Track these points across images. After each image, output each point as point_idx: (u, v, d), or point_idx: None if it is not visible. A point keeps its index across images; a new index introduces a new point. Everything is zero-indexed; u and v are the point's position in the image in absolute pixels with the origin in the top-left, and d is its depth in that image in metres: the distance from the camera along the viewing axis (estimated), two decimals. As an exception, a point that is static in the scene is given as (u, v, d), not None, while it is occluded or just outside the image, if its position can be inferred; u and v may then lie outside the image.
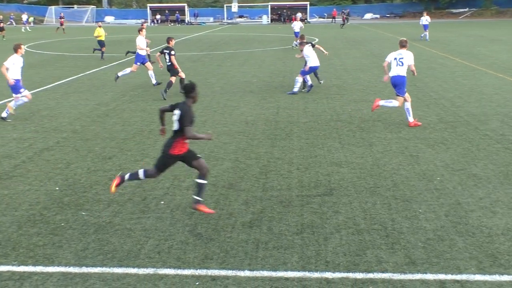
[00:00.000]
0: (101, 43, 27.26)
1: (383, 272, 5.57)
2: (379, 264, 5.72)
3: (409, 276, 5.48)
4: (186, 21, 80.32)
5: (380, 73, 20.50)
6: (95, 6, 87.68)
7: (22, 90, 13.12)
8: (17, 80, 12.97)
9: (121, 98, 16.15)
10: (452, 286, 5.28)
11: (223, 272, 5.62)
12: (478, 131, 11.37)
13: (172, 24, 77.45)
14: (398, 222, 6.80)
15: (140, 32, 18.49)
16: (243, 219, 6.97)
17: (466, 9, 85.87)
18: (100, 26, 28.13)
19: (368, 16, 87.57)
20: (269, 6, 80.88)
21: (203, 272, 5.64)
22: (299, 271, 5.62)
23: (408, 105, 11.99)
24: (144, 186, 8.25)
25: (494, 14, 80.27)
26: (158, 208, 7.41)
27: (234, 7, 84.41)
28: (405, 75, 12.09)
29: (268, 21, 78.54)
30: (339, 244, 6.22)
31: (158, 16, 79.08)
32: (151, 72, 18.07)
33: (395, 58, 12.04)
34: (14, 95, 13.19)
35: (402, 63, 11.95)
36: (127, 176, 7.28)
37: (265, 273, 5.59)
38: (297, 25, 30.82)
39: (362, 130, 11.69)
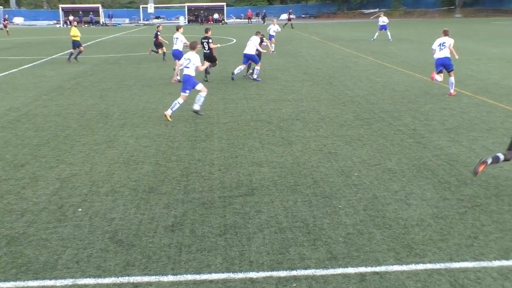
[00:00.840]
0: (76, 43, 25.77)
1: (306, 268, 5.64)
2: (302, 261, 5.79)
3: (331, 271, 5.58)
4: (101, 22, 78.34)
5: (299, 73, 20.86)
6: (1, 7, 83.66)
7: None
8: None
9: (34, 103, 15.49)
10: (372, 278, 5.43)
11: (145, 279, 5.50)
12: (391, 127, 11.80)
13: (86, 25, 75.23)
14: (319, 219, 6.92)
15: (178, 30, 19.92)
16: (165, 223, 6.86)
17: (377, 10, 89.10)
18: (75, 26, 26.65)
19: (284, 16, 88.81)
20: (186, 7, 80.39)
21: (124, 279, 5.49)
22: (223, 272, 5.59)
23: (452, 79, 15.13)
24: (60, 193, 7.94)
25: (402, 14, 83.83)
26: (76, 216, 7.15)
27: (150, 8, 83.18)
28: (449, 55, 15.08)
29: (185, 22, 78.02)
30: (262, 243, 6.24)
31: (71, 17, 76.50)
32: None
33: (439, 44, 15.13)
34: None
35: (445, 47, 15.05)
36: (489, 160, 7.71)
37: (189, 277, 5.52)
38: (272, 28, 30.74)
39: (282, 129, 11.83)
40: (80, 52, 26.14)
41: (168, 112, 12.95)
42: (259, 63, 19.46)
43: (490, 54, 26.19)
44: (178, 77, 14.90)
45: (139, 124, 12.63)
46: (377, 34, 37.52)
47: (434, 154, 9.64)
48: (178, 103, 12.98)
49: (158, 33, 26.24)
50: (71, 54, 26.29)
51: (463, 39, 34.81)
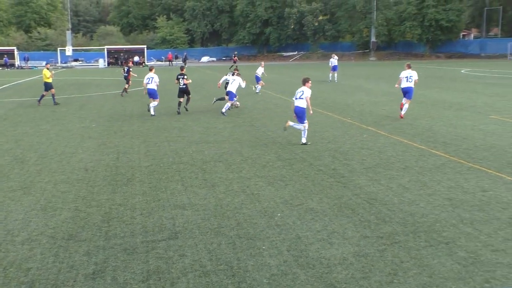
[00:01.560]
0: (48, 86, 25.36)
1: (231, 312, 5.60)
2: (227, 305, 5.75)
3: (256, 314, 5.57)
4: (16, 65, 75.96)
5: (220, 115, 21.04)
6: None
7: None
8: None
9: None
10: (297, 319, 5.46)
11: (64, 332, 5.27)
12: (312, 167, 12.08)
13: (0, 68, 72.68)
14: (243, 261, 6.93)
15: (151, 70, 21.80)
16: (86, 271, 6.63)
17: (296, 52, 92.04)
18: (48, 68, 25.95)
19: (205, 59, 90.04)
20: (106, 49, 79.60)
21: (41, 334, 5.24)
22: (146, 321, 5.45)
23: (407, 106, 18.93)
24: (-30, 245, 7.52)
25: (320, 57, 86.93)
26: (-12, 268, 6.78)
27: (68, 51, 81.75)
28: (413, 86, 18.79)
29: (105, 65, 77.12)
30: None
31: (-16, 60, 73.77)
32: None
33: (406, 76, 18.59)
34: None
35: (411, 79, 18.61)
36: None
37: (111, 328, 5.34)
38: (260, 70, 31.51)
39: (204, 171, 11.84)
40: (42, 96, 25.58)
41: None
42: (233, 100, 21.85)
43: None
44: (152, 113, 20.70)
45: (57, 169, 12.25)
46: (330, 74, 39.03)
47: (354, 193, 9.94)
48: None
49: (130, 69, 30.22)
50: (43, 96, 25.64)
51: (378, 81, 36.45)
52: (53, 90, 25.71)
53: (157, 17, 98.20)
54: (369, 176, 11.21)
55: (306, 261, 6.89)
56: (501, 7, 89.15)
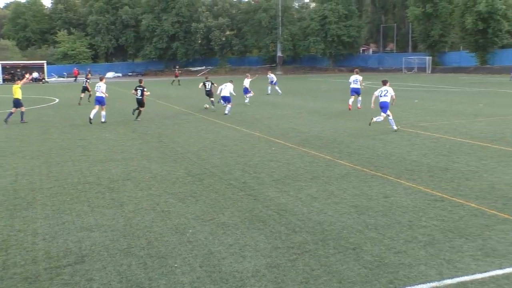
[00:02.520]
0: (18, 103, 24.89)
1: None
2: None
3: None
4: None
5: (127, 132, 20.63)
6: None
7: None
8: None
9: None
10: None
11: None
12: (223, 181, 12.09)
13: None
14: (155, 280, 6.79)
15: (102, 80, 24.77)
16: (-16, 303, 6.23)
17: (204, 67, 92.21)
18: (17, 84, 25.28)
19: (110, 74, 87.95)
20: (0, 65, 75.77)
21: None
22: None
23: (391, 116, 19.17)
24: None
25: (228, 71, 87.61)
26: None
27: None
28: (389, 101, 19.06)
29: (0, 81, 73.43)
30: (96, 312, 5.93)
31: None
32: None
33: (381, 91, 19.16)
34: None
35: (387, 94, 19.09)
36: None
37: None
38: (247, 82, 33.31)
39: (112, 190, 11.52)
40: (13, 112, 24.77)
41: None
42: (231, 102, 26.68)
43: (309, 108, 28.30)
44: (102, 120, 23.60)
45: (-50, 194, 11.46)
46: (269, 87, 40.51)
47: (265, 205, 10.04)
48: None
49: (88, 80, 35.65)
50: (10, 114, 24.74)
51: (285, 95, 37.23)
52: (22, 108, 24.99)
53: (57, 31, 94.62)
54: (279, 187, 11.37)
55: (219, 276, 6.86)
56: (395, 24, 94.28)
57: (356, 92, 26.37)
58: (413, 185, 11.18)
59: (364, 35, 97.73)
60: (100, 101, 23.85)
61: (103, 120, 23.74)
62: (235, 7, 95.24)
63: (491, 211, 9.24)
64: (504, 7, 67.90)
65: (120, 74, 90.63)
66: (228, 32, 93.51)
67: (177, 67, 67.30)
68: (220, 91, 26.90)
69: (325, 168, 13.15)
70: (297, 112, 26.18)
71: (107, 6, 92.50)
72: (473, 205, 9.63)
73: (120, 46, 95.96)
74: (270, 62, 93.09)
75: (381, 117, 18.99)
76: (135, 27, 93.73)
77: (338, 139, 17.51)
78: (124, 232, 8.68)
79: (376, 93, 19.48)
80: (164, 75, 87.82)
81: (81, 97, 34.96)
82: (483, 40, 71.16)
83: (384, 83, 19.76)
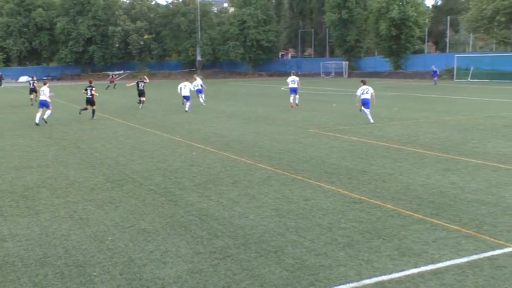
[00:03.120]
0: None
1: None
2: None
3: None
4: None
5: (43, 138, 19.89)
6: None
7: None
8: None
9: None
10: None
11: None
12: (143, 187, 11.92)
13: None
14: (73, 290, 6.59)
15: (45, 84, 25.40)
16: None
17: (122, 71, 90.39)
18: None
19: (23, 79, 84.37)
20: None
21: None
22: None
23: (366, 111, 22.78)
24: None
25: (147, 76, 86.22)
26: None
27: None
28: (369, 98, 22.60)
29: None
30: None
31: None
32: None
33: (362, 90, 22.53)
34: None
35: (368, 92, 22.44)
36: None
37: None
38: (199, 82, 35.05)
39: (26, 198, 11.08)
40: None
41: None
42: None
43: (229, 112, 28.43)
44: (45, 118, 24.52)
45: None
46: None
47: (186, 211, 9.99)
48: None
49: (35, 82, 36.60)
50: None
51: (206, 99, 37.11)
52: None
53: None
54: (200, 192, 11.35)
55: (140, 284, 6.76)
56: (312, 29, 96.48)
57: (294, 91, 29.82)
58: (333, 188, 11.48)
59: (282, 40, 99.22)
60: (44, 104, 24.70)
61: (45, 117, 24.65)
62: (153, 10, 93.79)
63: (407, 211, 9.64)
64: (415, 14, 71.16)
65: (117, 77, 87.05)
66: (146, 36, 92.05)
67: (115, 72, 66.62)
68: (180, 90, 29.98)
69: (246, 172, 13.25)
70: (218, 117, 26.23)
71: (18, 8, 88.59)
72: (389, 206, 10.02)
73: (34, 50, 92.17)
74: (190, 67, 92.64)
75: (367, 110, 22.66)
76: (50, 30, 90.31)
77: (259, 143, 17.69)
78: (40, 241, 8.37)
79: (358, 92, 22.91)
80: (81, 79, 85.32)
81: (31, 98, 36.37)
82: (396, 46, 74.13)
83: (364, 82, 23.23)
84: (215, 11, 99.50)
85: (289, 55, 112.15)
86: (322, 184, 11.81)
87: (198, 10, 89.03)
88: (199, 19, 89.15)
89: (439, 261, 7.31)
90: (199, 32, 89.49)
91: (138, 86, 31.23)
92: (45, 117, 24.61)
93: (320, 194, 11.00)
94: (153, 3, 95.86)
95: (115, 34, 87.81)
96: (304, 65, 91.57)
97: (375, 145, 16.86)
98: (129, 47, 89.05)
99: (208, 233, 8.69)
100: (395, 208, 9.88)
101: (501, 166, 13.37)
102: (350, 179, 12.29)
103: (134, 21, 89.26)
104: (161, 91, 50.47)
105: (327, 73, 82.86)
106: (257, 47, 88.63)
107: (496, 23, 60.71)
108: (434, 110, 27.60)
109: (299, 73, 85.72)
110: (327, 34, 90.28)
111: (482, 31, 64.79)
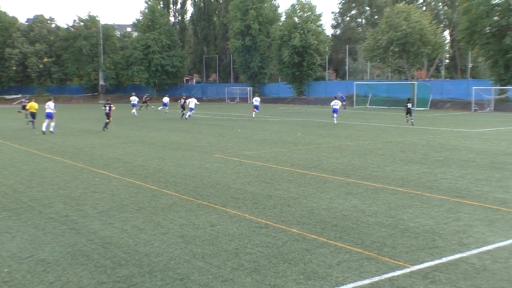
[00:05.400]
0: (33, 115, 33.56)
1: None
2: None
3: None
4: None
5: None
6: None
7: None
8: None
9: None
10: None
11: None
12: (42, 215, 11.42)
13: None
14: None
15: (50, 100, 32.45)
16: None
17: (20, 95, 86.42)
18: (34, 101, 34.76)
19: None
20: None
21: None
22: None
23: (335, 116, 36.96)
24: None
25: (47, 100, 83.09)
26: None
27: None
28: (338, 108, 37.20)
29: None
30: None
31: None
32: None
33: (335, 102, 37.03)
34: None
35: (337, 104, 37.20)
36: None
37: None
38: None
39: None
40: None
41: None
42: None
43: (134, 137, 27.95)
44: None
45: None
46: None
47: (88, 239, 9.68)
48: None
49: (27, 100, 41.32)
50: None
51: (110, 124, 36.34)
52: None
53: None
54: (103, 220, 11.04)
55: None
56: (217, 55, 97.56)
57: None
58: (239, 213, 11.56)
59: (187, 65, 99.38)
60: (49, 116, 30.47)
61: (52, 130, 30.31)
62: (53, 33, 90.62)
63: (311, 235, 9.88)
64: (316, 42, 74.04)
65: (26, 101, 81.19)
66: (46, 59, 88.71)
67: (147, 94, 69.11)
68: (189, 103, 43.59)
69: (151, 198, 13.06)
70: (122, 142, 25.71)
71: None
72: (294, 230, 10.22)
73: None
74: (92, 91, 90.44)
75: (335, 118, 36.62)
76: None
77: (164, 169, 17.52)
78: None
79: (332, 103, 37.40)
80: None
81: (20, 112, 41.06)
82: (299, 73, 76.60)
83: (336, 98, 38.74)
84: (118, 35, 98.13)
85: (194, 81, 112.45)
86: (228, 210, 11.86)
87: (101, 34, 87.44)
88: (102, 43, 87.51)
89: (343, 284, 7.54)
90: (102, 56, 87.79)
91: (105, 108, 33.36)
92: (51, 129, 30.22)
93: (226, 219, 11.04)
94: (53, 25, 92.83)
95: (12, 56, 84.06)
96: (209, 90, 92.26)
97: (280, 170, 17.19)
98: (27, 70, 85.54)
99: (112, 261, 8.45)
100: (300, 232, 10.09)
101: (399, 189, 14.05)
102: (256, 204, 12.43)
103: (33, 44, 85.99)
104: (62, 115, 48.71)
105: (232, 99, 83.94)
106: (161, 72, 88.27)
107: (390, 53, 64.45)
108: (336, 135, 28.62)
109: (204, 98, 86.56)
110: (231, 60, 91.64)
111: (378, 60, 68.50)
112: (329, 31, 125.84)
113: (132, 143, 25.50)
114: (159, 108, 55.57)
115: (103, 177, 16.16)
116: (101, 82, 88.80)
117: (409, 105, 37.08)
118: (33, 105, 33.95)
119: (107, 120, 32.51)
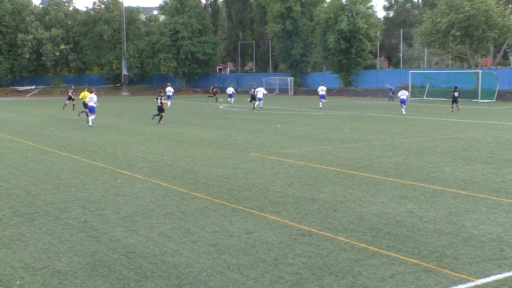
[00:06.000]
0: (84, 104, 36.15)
1: None
2: None
3: None
4: None
5: None
6: None
7: None
8: None
9: None
10: None
11: None
12: (59, 221, 11.56)
13: None
14: None
15: (92, 92, 34.73)
16: None
17: (34, 87, 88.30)
18: (87, 90, 37.62)
19: None
20: None
21: None
22: None
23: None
24: None
25: (64, 91, 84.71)
26: None
27: None
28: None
29: None
30: None
31: None
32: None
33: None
34: None
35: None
36: None
37: None
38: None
39: None
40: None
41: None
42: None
43: (160, 134, 28.18)
44: (91, 123, 32.54)
45: None
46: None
47: (110, 248, 9.74)
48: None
49: (73, 91, 47.20)
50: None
51: (132, 118, 36.74)
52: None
53: None
54: (126, 226, 11.11)
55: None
56: (254, 41, 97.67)
57: (323, 97, 49.14)
58: (278, 219, 11.49)
59: (220, 53, 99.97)
60: (91, 110, 33.05)
61: (91, 124, 32.51)
62: (71, 17, 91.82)
63: (361, 244, 9.74)
64: (365, 26, 73.26)
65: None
66: (63, 46, 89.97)
67: (215, 84, 70.42)
68: (256, 93, 48.08)
69: (180, 202, 13.10)
70: (147, 139, 25.95)
71: None
72: (341, 238, 10.10)
73: None
74: (115, 82, 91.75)
75: (403, 109, 40.34)
76: None
77: (194, 169, 17.58)
78: None
79: (399, 94, 40.86)
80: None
81: (66, 104, 46.66)
82: (346, 61, 76.08)
83: (402, 88, 44.33)
84: (143, 19, 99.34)
85: (228, 70, 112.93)
86: (266, 215, 11.80)
87: (124, 18, 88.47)
88: (125, 27, 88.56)
89: (398, 300, 7.40)
90: (125, 42, 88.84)
91: (157, 101, 34.68)
92: (90, 124, 32.39)
93: (264, 226, 10.98)
94: (71, 8, 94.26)
95: (25, 43, 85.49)
96: (245, 80, 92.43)
97: (325, 170, 17.06)
98: (42, 58, 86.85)
99: (136, 273, 8.48)
100: (347, 240, 9.96)
101: (461, 192, 13.77)
102: (298, 208, 12.34)
103: (48, 29, 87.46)
104: (81, 108, 49.52)
105: (271, 90, 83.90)
106: (191, 60, 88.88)
107: (451, 38, 63.33)
108: (388, 131, 28.30)
109: (239, 89, 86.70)
110: (270, 47, 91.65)
111: (437, 46, 67.43)
112: (380, 14, 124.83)
113: (159, 140, 25.71)
114: (227, 100, 57.21)
115: (126, 178, 16.30)
116: (124, 72, 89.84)
117: (456, 94, 42.66)
118: (86, 95, 36.42)
119: (161, 114, 34.17)
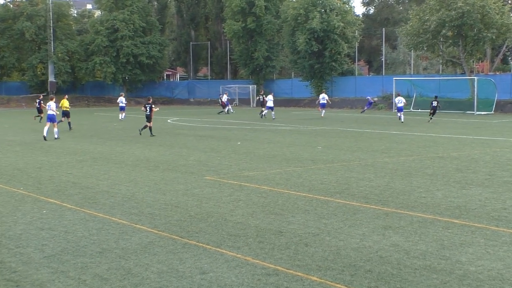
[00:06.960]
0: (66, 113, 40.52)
1: None
2: None
3: None
4: None
5: None
6: None
7: None
8: None
9: None
10: None
11: None
12: (-31, 261, 11.36)
13: None
14: None
15: (52, 99, 36.45)
16: None
17: None
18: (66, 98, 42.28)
19: None
20: None
21: None
22: None
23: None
24: None
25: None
26: None
27: None
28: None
29: None
30: None
31: None
32: None
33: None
34: None
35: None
36: None
37: None
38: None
39: None
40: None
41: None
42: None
43: (95, 153, 27.96)
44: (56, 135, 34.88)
45: None
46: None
47: (32, 293, 9.60)
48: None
49: (41, 101, 48.81)
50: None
51: (61, 134, 36.38)
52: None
53: None
54: (53, 267, 10.97)
55: None
56: (209, 42, 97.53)
57: (324, 106, 57.56)
58: (239, 256, 11.47)
59: (168, 56, 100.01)
60: (51, 119, 34.90)
61: (56, 136, 34.87)
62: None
63: (337, 285, 9.77)
64: (342, 24, 73.75)
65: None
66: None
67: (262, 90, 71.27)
68: (267, 102, 53.39)
69: (119, 237, 13.00)
70: (79, 160, 25.72)
71: None
72: (314, 278, 10.11)
73: None
74: (39, 90, 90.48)
75: (401, 117, 46.45)
76: None
77: (137, 196, 17.48)
78: None
79: (396, 100, 48.08)
80: None
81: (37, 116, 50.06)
82: (319, 66, 76.40)
83: (399, 94, 49.37)
84: (75, 15, 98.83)
85: (178, 76, 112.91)
86: (224, 251, 11.77)
87: (51, 13, 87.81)
88: (52, 25, 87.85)
89: None
90: (52, 43, 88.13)
91: (145, 110, 37.80)
92: (55, 136, 34.75)
93: (222, 264, 10.95)
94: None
95: None
96: (198, 89, 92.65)
97: (294, 197, 17.12)
98: None
99: (64, 325, 8.37)
100: (321, 280, 9.99)
101: (455, 221, 13.95)
102: (262, 243, 12.35)
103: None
104: (-3, 124, 48.94)
105: (230, 101, 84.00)
106: (133, 65, 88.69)
107: (441, 38, 64.35)
108: (369, 150, 28.58)
109: (191, 100, 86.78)
110: (228, 49, 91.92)
111: (425, 48, 68.42)
112: (359, 10, 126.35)
113: (93, 161, 25.50)
114: (228, 109, 65.07)
115: (53, 208, 16.12)
116: (51, 79, 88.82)
117: (434, 103, 47.02)
118: (64, 103, 41.19)
119: (149, 124, 36.99)
